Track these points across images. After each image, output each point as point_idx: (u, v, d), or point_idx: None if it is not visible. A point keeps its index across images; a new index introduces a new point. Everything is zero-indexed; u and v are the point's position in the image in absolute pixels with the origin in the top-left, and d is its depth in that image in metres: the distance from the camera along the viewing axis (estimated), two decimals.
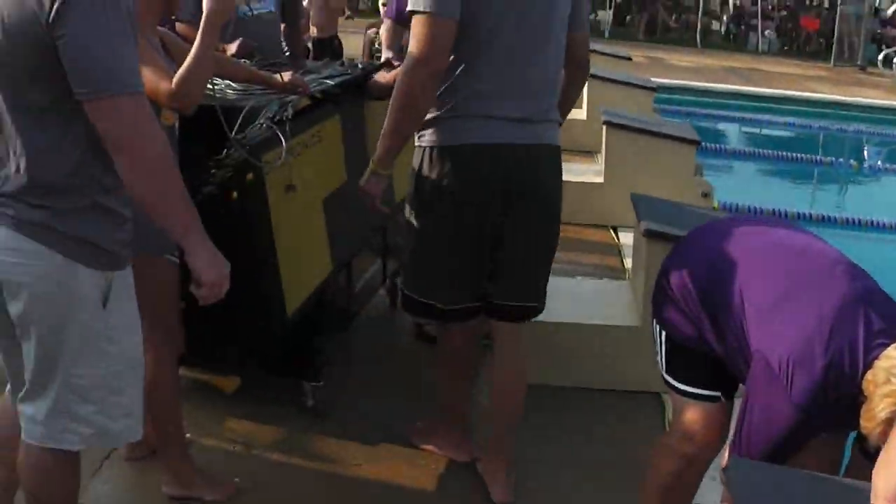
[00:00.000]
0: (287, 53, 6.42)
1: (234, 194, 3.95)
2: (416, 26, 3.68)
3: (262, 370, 4.84)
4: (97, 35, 2.55)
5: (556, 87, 4.06)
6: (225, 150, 3.91)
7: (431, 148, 3.89)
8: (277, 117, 4.10)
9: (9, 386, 3.13)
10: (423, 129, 3.91)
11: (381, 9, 8.67)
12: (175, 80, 3.47)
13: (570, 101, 4.33)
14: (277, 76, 4.40)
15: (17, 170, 2.69)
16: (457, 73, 3.77)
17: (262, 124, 4.07)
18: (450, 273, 4.03)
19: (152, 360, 3.57)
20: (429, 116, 3.86)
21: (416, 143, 3.97)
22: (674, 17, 29.72)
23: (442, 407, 4.52)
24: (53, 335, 2.79)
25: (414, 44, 3.70)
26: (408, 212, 4.06)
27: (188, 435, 4.43)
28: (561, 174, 4.07)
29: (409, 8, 3.71)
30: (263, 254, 4.05)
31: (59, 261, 2.71)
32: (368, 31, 9.08)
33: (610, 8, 28.53)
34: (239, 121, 4.01)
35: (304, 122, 4.37)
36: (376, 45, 8.71)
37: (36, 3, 2.52)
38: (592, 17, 28.61)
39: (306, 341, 4.64)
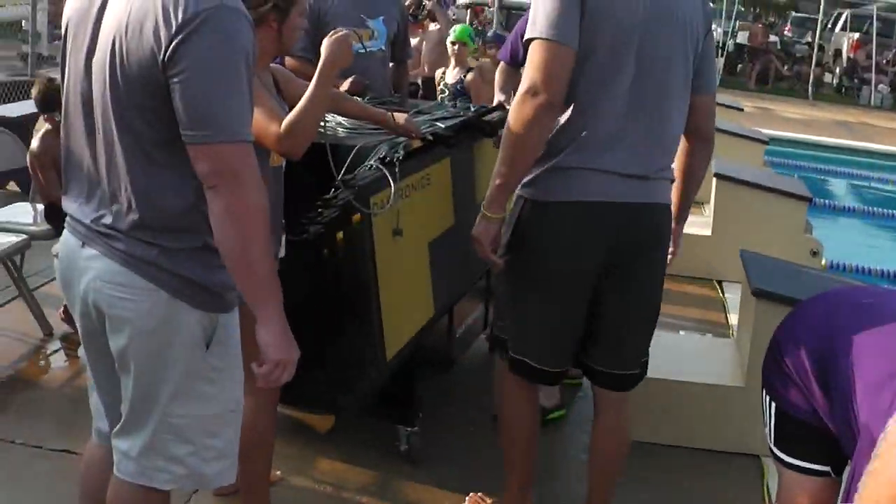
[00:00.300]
0: (393, 92, 6.39)
1: (340, 235, 3.91)
2: (533, 53, 3.52)
3: (357, 412, 4.79)
4: (210, 78, 2.53)
5: (676, 144, 3.87)
6: (333, 190, 3.88)
7: (533, 201, 3.72)
8: (388, 158, 4.06)
9: (95, 419, 3.12)
10: (526, 177, 3.71)
11: (450, 47, 8.59)
12: (284, 125, 3.46)
13: (696, 178, 4.10)
14: (390, 116, 4.36)
15: (130, 207, 2.66)
16: (566, 118, 3.61)
17: (371, 165, 4.03)
18: (545, 334, 3.84)
19: (252, 404, 3.53)
20: (533, 165, 3.68)
21: (517, 191, 3.77)
22: (786, 67, 29.38)
23: (506, 464, 4.28)
24: (153, 372, 2.77)
25: (529, 72, 3.52)
26: (503, 264, 3.86)
27: (278, 472, 4.41)
28: (670, 234, 3.91)
29: (526, 36, 3.56)
30: (365, 297, 3.99)
31: (166, 299, 2.69)
32: (437, 72, 9.06)
33: (722, 56, 28.29)
34: (348, 160, 3.99)
35: (414, 164, 4.33)
36: (441, 87, 8.66)
37: (154, 41, 2.51)
38: None
39: (404, 385, 4.58)
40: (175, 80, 2.51)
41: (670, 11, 3.64)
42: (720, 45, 28.65)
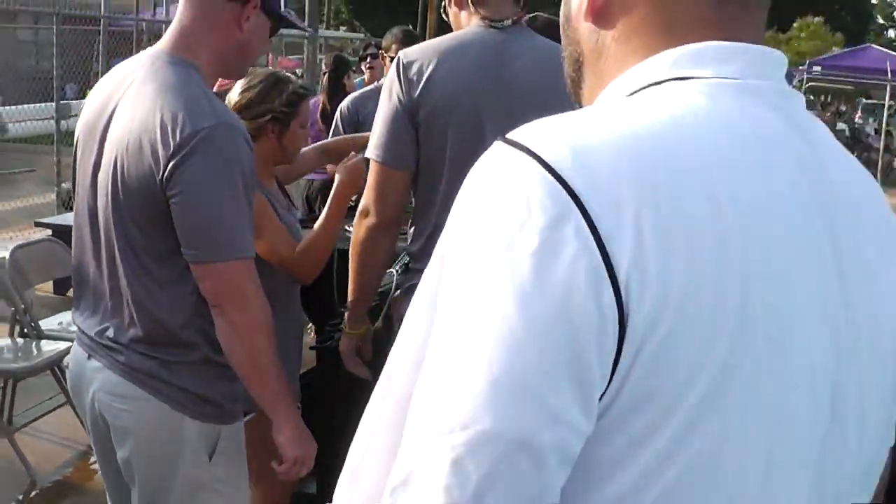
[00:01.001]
0: None
1: None
2: (369, 175, 3.33)
3: None
4: (209, 199, 2.56)
5: None
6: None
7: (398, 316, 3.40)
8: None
9: None
10: (400, 295, 3.50)
11: None
12: (297, 252, 3.47)
13: None
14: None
15: (131, 320, 2.70)
16: (432, 229, 3.31)
17: (397, 270, 4.03)
18: None
19: None
20: (405, 281, 3.48)
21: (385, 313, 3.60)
22: (854, 154, 29.02)
23: None
24: (157, 483, 2.78)
25: (365, 191, 3.35)
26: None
27: None
28: None
29: (366, 153, 3.37)
30: None
31: (166, 410, 2.70)
32: None
33: None
34: None
35: None
36: None
37: (153, 160, 2.53)
38: None
39: None
40: (174, 199, 2.54)
41: (528, 102, 3.12)
42: None
